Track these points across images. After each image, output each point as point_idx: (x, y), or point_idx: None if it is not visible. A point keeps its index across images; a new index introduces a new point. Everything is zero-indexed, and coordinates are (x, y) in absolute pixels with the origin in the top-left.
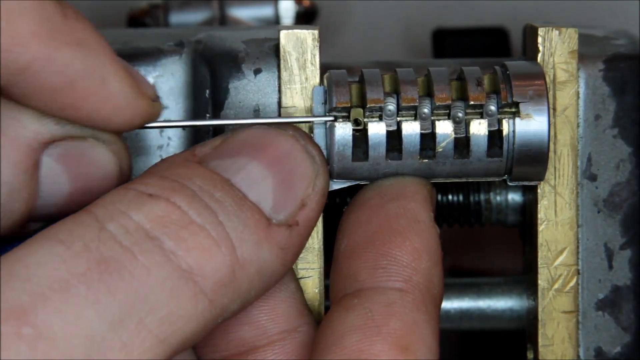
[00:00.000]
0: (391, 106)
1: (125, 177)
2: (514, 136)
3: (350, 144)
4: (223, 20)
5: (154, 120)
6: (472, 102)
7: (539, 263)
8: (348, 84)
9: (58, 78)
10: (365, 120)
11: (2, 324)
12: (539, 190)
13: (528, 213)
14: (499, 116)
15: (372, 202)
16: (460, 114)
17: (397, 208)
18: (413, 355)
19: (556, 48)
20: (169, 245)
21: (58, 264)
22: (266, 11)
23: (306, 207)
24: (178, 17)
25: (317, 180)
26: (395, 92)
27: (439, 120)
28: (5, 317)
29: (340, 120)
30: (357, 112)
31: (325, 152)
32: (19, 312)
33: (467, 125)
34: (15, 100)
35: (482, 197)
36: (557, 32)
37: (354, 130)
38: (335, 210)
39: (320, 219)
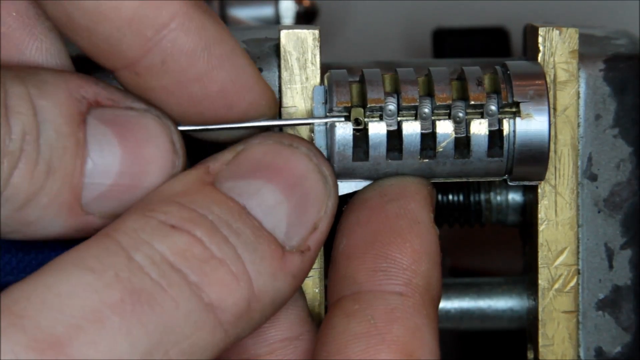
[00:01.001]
0: (392, 106)
1: (180, 157)
2: (514, 136)
3: (351, 143)
4: (223, 20)
5: (274, 112)
6: (472, 102)
7: (539, 263)
8: (348, 83)
9: (195, 39)
10: (366, 120)
11: (39, 354)
12: (539, 190)
13: (528, 213)
14: (499, 116)
15: (372, 202)
16: (460, 114)
17: (398, 209)
18: None
19: (557, 48)
20: (193, 279)
21: (91, 294)
22: (266, 11)
23: (317, 231)
24: None
25: (329, 202)
26: (396, 92)
27: (439, 120)
28: (42, 348)
29: (341, 120)
30: (357, 112)
31: (325, 152)
32: (55, 344)
33: (468, 125)
34: (141, 83)
35: (482, 197)
36: (557, 32)
37: (354, 130)
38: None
39: None
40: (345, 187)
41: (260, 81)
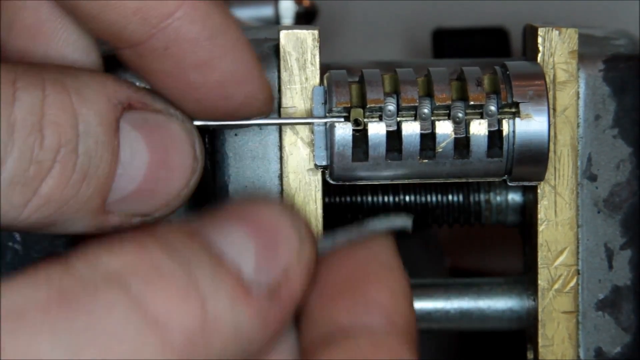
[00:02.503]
0: (391, 106)
1: (199, 162)
2: (514, 136)
3: (350, 144)
4: None
5: (270, 109)
6: (472, 102)
7: (539, 263)
8: (348, 84)
9: (199, 28)
10: (365, 120)
11: None
12: (539, 191)
13: (528, 213)
14: (499, 116)
15: (340, 250)
16: (460, 114)
17: (367, 254)
18: None
19: (556, 48)
20: (135, 289)
21: (16, 294)
22: (266, 11)
23: (290, 280)
24: None
25: (302, 251)
26: (395, 92)
27: (439, 120)
28: None
29: (340, 120)
30: (357, 112)
31: (325, 152)
32: None
33: (467, 125)
34: (143, 64)
35: (482, 197)
36: (557, 32)
37: (353, 130)
38: (335, 209)
39: (320, 220)
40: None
41: (260, 76)
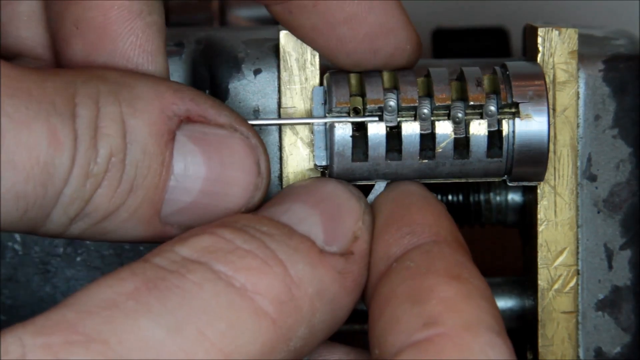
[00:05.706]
0: (392, 102)
1: (263, 179)
2: (513, 136)
3: (350, 144)
4: (223, 20)
5: (418, 58)
6: (472, 103)
7: (538, 263)
8: (348, 84)
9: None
10: (365, 120)
11: (49, 336)
12: (538, 191)
13: (528, 213)
14: (498, 116)
15: (377, 199)
16: (460, 115)
17: (403, 190)
18: (466, 282)
19: (556, 48)
20: (218, 267)
21: (104, 288)
22: (266, 11)
23: (359, 239)
24: (178, 18)
25: (365, 216)
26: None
27: (438, 120)
28: (51, 332)
29: (340, 120)
30: (356, 101)
31: (325, 153)
32: (64, 326)
33: (467, 125)
34: (293, 20)
35: (482, 197)
36: (557, 32)
37: (352, 125)
38: None
39: None
40: None
41: (407, 26)
